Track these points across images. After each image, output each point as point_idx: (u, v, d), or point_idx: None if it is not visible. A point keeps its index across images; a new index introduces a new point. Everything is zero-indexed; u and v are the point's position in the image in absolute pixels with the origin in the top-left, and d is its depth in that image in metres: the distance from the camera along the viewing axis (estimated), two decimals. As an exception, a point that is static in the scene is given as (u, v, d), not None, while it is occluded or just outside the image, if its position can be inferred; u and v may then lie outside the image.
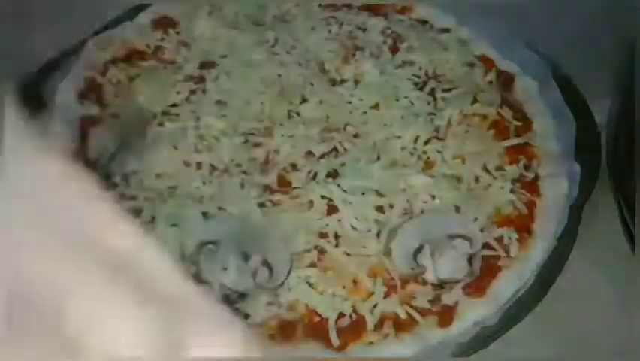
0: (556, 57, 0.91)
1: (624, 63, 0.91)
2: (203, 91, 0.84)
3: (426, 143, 0.80)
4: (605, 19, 1.00)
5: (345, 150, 0.78)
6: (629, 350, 0.69)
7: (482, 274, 0.70)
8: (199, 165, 0.76)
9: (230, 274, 0.67)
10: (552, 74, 0.88)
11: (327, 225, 0.72)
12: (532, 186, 0.77)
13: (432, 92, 0.86)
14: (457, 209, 0.74)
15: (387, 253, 0.70)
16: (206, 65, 0.87)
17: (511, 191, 0.76)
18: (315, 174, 0.76)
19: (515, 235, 0.73)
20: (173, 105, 0.82)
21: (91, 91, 0.84)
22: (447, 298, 0.68)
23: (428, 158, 0.79)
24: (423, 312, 0.67)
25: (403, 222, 0.72)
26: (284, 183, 0.76)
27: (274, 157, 0.78)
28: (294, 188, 0.75)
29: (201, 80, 0.85)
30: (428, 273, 0.69)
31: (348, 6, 0.97)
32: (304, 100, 0.84)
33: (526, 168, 0.79)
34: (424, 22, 0.96)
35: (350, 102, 0.84)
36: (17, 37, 0.95)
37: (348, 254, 0.70)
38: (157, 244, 0.27)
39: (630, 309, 0.71)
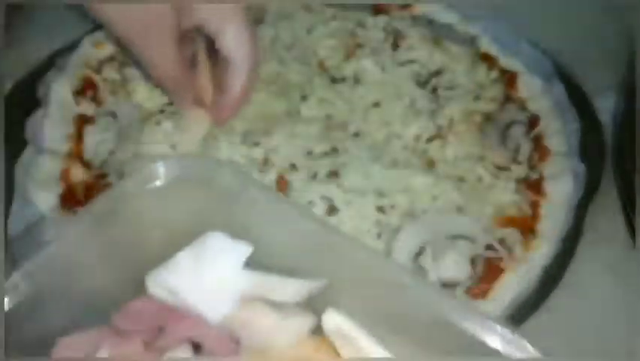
0: (561, 55, 0.90)
1: (628, 61, 0.90)
2: (202, 90, 0.83)
3: (428, 141, 0.79)
4: (610, 17, 0.99)
5: (345, 149, 0.77)
6: (634, 351, 0.68)
7: (485, 276, 0.69)
8: (197, 165, 0.75)
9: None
10: (556, 72, 0.87)
11: (327, 225, 0.71)
12: (536, 186, 0.76)
13: (434, 90, 0.85)
14: (460, 209, 0.73)
15: (388, 254, 0.69)
16: (205, 63, 0.87)
17: (515, 191, 0.75)
18: (315, 174, 0.75)
19: (519, 236, 0.72)
20: (170, 104, 0.81)
21: (87, 89, 0.84)
22: (449, 301, 0.67)
23: (430, 157, 0.78)
24: (424, 314, 0.66)
25: (405, 222, 0.71)
26: (283, 183, 0.75)
27: (273, 156, 0.77)
28: (294, 188, 0.74)
29: (200, 78, 0.85)
30: (430, 274, 0.68)
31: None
32: (304, 98, 0.83)
33: (531, 167, 0.78)
34: (425, 19, 0.95)
35: (351, 100, 0.82)
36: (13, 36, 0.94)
37: (348, 255, 0.69)
38: None
39: (635, 309, 0.71)
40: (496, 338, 0.46)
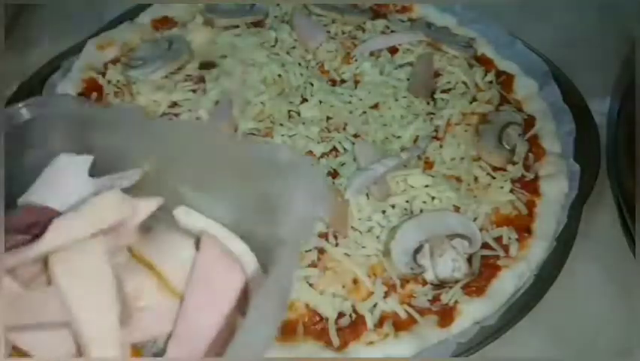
0: (556, 57, 0.91)
1: (624, 64, 0.91)
2: (204, 91, 0.84)
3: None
4: (605, 20, 1.00)
5: (345, 149, 0.79)
6: (629, 350, 0.69)
7: (482, 274, 0.70)
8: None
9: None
10: (552, 75, 0.88)
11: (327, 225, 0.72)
12: (531, 186, 0.77)
13: (431, 92, 0.86)
14: (457, 209, 0.74)
15: (387, 253, 0.70)
16: (206, 65, 0.87)
17: (511, 191, 0.76)
18: (315, 174, 0.76)
19: (515, 235, 0.73)
20: (174, 105, 0.82)
21: (91, 91, 0.84)
22: (446, 298, 0.68)
23: (427, 158, 0.79)
24: (422, 312, 0.67)
25: (403, 222, 0.72)
26: (284, 183, 0.76)
27: (274, 157, 0.78)
28: (294, 188, 0.75)
29: (201, 80, 0.86)
30: (427, 273, 0.69)
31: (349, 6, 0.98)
32: (304, 100, 0.84)
33: (526, 168, 0.79)
34: (423, 22, 0.96)
35: (350, 102, 0.84)
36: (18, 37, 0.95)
37: (347, 254, 0.70)
38: None
39: (630, 308, 0.72)
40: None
